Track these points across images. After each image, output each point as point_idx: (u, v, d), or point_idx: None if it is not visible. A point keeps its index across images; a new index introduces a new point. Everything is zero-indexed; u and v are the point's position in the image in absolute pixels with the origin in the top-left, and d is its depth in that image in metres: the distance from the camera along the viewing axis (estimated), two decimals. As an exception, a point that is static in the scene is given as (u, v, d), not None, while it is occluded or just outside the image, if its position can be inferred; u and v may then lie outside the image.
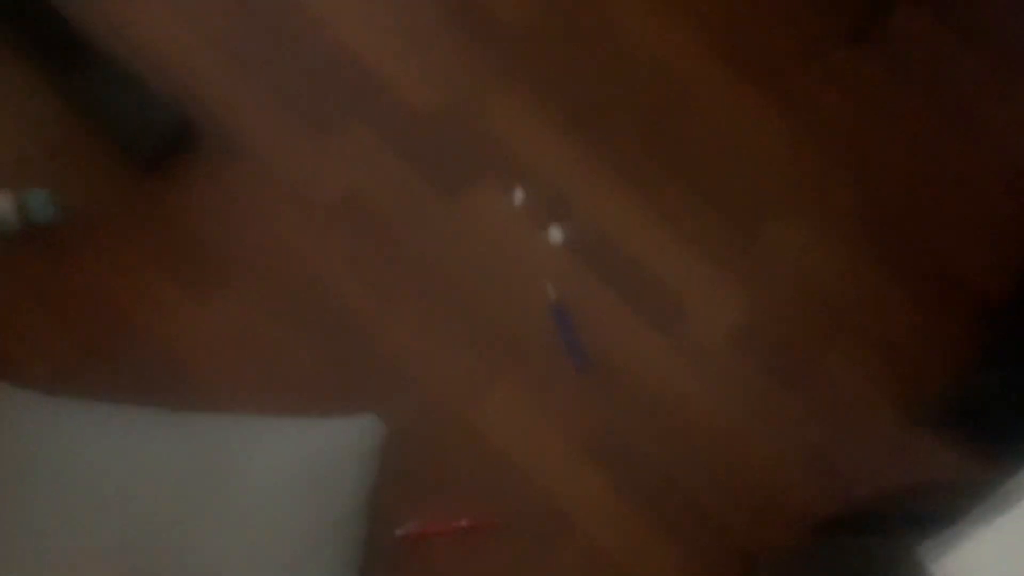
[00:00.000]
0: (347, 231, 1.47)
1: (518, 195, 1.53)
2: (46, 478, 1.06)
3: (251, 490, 1.14)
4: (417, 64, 1.57)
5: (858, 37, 1.70)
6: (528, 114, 1.58)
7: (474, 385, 1.43)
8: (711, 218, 1.59)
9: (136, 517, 1.06)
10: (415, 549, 1.33)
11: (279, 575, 1.09)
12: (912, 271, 1.61)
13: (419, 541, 1.33)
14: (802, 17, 1.73)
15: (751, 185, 1.62)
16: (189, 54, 1.50)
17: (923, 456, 1.48)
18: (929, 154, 1.68)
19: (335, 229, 1.47)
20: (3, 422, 1.08)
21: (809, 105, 1.68)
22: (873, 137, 1.68)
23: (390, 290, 1.45)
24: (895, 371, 1.55)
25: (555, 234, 1.53)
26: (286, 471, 1.17)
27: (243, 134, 1.48)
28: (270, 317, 1.41)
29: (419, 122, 1.54)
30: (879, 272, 1.60)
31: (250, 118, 1.49)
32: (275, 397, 1.37)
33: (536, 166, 1.56)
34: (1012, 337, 1.45)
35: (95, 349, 1.34)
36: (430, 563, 1.33)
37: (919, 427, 1.49)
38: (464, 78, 1.58)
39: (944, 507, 0.97)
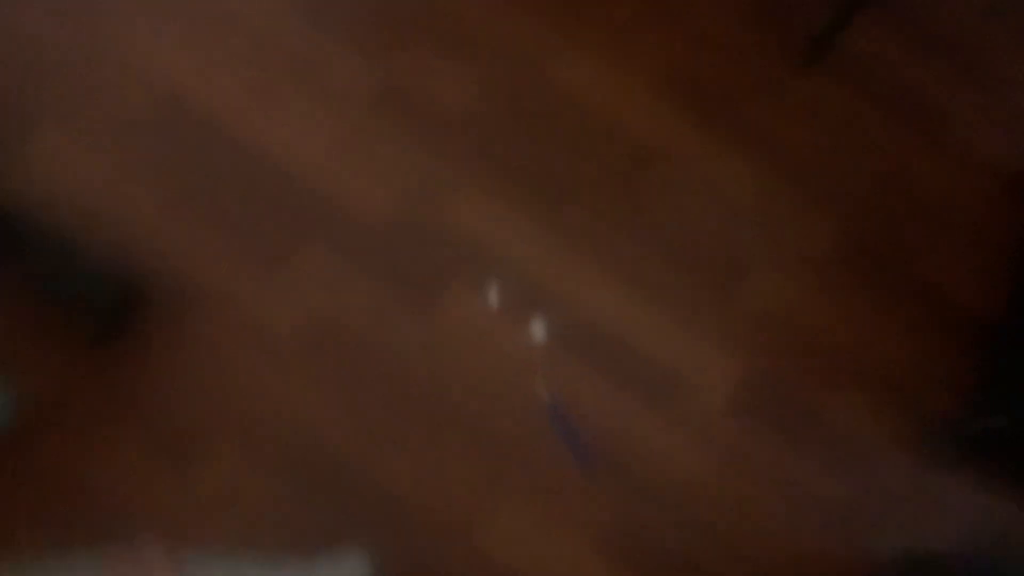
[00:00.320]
0: (318, 362, 1.39)
1: (493, 293, 1.46)
2: None
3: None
4: (363, 171, 1.49)
5: (810, 62, 1.65)
6: (487, 204, 1.51)
7: (475, 503, 1.37)
8: (691, 281, 1.53)
9: None
10: None
11: None
12: (902, 302, 1.57)
13: None
14: (748, 51, 1.67)
15: (727, 239, 1.57)
16: (123, 204, 1.40)
17: (947, 497, 1.45)
18: (902, 174, 1.64)
19: (305, 362, 1.39)
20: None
21: (772, 142, 1.63)
22: (843, 164, 1.64)
23: (374, 416, 1.38)
24: (902, 409, 1.51)
25: (537, 328, 1.46)
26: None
27: (195, 280, 1.39)
28: (253, 469, 1.33)
29: (376, 232, 1.46)
30: (869, 308, 1.56)
31: (198, 261, 1.40)
32: (268, 550, 1.30)
33: (506, 258, 1.49)
34: (1010, 360, 1.42)
35: (73, 539, 1.25)
36: None
37: (937, 467, 1.46)
38: (415, 177, 1.50)
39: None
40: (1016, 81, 1.70)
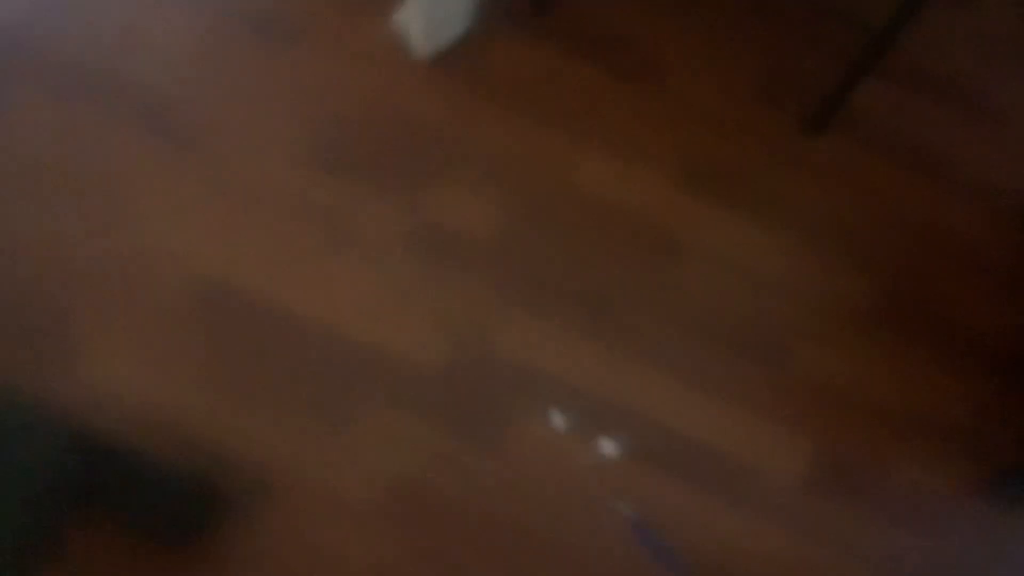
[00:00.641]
0: (402, 523, 1.38)
1: (557, 418, 1.47)
2: None
3: None
4: (408, 316, 1.48)
5: (818, 126, 1.67)
6: (534, 327, 1.51)
7: (584, 635, 1.37)
8: (743, 365, 1.55)
9: None
10: None
11: None
12: (950, 352, 1.60)
13: None
14: (757, 125, 1.69)
15: (769, 316, 1.58)
16: (177, 399, 1.39)
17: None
18: (925, 222, 1.67)
19: (389, 526, 1.38)
20: None
21: (794, 211, 1.65)
22: (866, 222, 1.66)
23: (462, 562, 1.38)
24: (969, 458, 1.54)
25: (606, 444, 1.47)
26: None
27: (261, 463, 1.38)
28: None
29: (431, 379, 1.46)
30: (920, 362, 1.59)
31: (262, 443, 1.39)
32: None
33: (563, 379, 1.49)
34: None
35: None
36: None
37: (1012, 514, 1.49)
38: (459, 313, 1.50)
39: None
40: (1021, 115, 1.74)
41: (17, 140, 1.47)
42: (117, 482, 1.26)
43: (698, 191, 1.64)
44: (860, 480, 1.51)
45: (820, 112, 1.64)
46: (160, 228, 1.45)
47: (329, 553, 1.35)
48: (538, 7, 1.64)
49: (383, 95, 1.57)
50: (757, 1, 1.77)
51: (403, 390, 1.44)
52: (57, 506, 1.08)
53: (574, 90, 1.64)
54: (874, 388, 1.57)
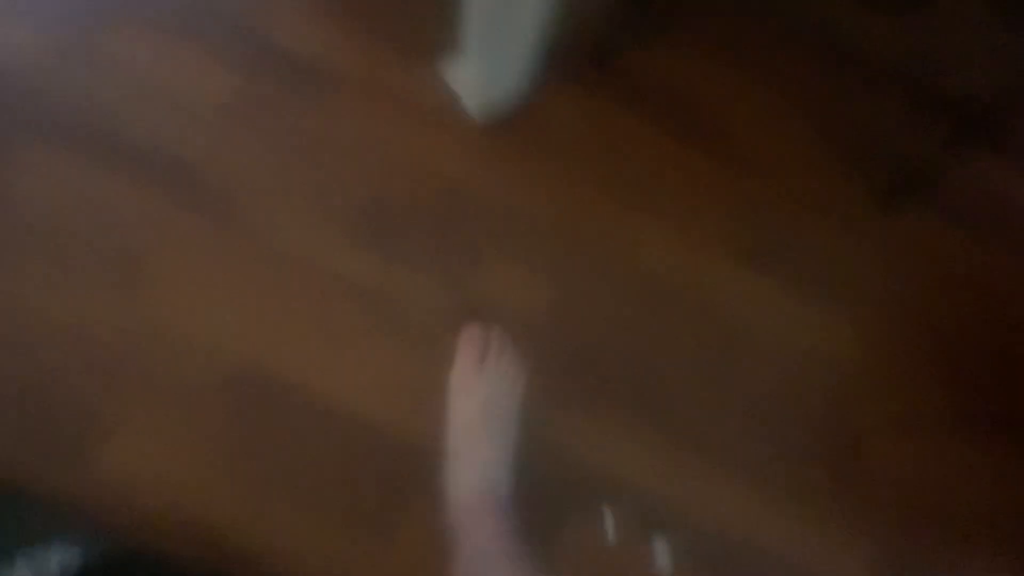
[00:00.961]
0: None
1: (608, 520, 1.37)
2: None
3: None
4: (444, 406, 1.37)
5: (894, 203, 1.55)
6: (587, 421, 1.40)
7: None
8: (806, 463, 1.44)
9: None
10: None
11: None
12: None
13: None
14: (827, 200, 1.56)
15: (836, 408, 1.48)
16: (208, 496, 1.28)
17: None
18: (1012, 304, 1.55)
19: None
20: None
21: (865, 291, 1.54)
22: (947, 303, 1.55)
23: None
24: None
25: (660, 552, 1.37)
26: None
27: (301, 569, 1.28)
28: None
29: (478, 476, 1.35)
30: (998, 464, 1.48)
31: (301, 546, 1.28)
32: None
33: (616, 478, 1.39)
34: None
35: None
36: None
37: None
38: (508, 403, 1.39)
39: None
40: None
41: (26, 207, 1.34)
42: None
43: (763, 268, 1.52)
44: (926, 588, 1.42)
45: (900, 188, 1.51)
46: (185, 307, 1.34)
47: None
48: (598, 63, 1.50)
49: (430, 160, 1.44)
50: (824, 60, 1.63)
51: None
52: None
53: (634, 155, 1.51)
54: (946, 491, 1.46)
